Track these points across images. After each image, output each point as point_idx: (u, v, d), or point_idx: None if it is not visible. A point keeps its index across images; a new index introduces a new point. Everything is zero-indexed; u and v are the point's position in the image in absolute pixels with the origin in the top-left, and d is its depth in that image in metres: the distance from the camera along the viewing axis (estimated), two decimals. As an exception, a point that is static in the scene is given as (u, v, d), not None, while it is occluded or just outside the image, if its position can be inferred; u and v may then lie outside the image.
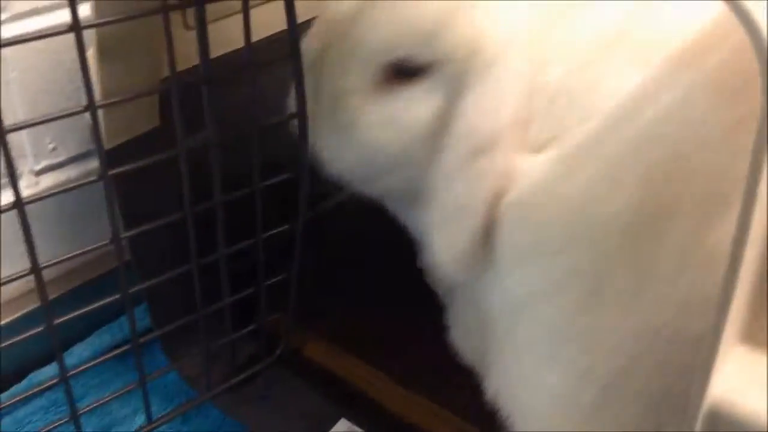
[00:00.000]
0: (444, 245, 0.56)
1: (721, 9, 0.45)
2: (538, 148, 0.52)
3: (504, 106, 0.53)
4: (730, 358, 0.35)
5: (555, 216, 0.49)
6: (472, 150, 0.53)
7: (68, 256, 0.53)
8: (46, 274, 0.53)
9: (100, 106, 0.48)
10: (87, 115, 0.49)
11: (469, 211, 0.54)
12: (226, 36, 0.63)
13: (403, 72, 0.57)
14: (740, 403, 0.33)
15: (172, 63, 0.50)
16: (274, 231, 0.66)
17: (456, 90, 0.55)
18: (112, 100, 0.50)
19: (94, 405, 0.62)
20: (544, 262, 0.49)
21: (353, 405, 0.69)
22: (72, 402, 0.58)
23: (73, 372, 0.57)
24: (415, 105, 0.57)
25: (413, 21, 0.55)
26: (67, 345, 0.80)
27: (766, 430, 0.32)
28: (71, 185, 0.51)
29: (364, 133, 0.57)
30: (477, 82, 0.54)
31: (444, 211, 0.55)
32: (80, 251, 0.54)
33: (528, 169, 0.51)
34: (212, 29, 0.56)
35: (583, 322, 0.48)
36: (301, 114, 0.58)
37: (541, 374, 0.51)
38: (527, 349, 0.51)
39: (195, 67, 0.58)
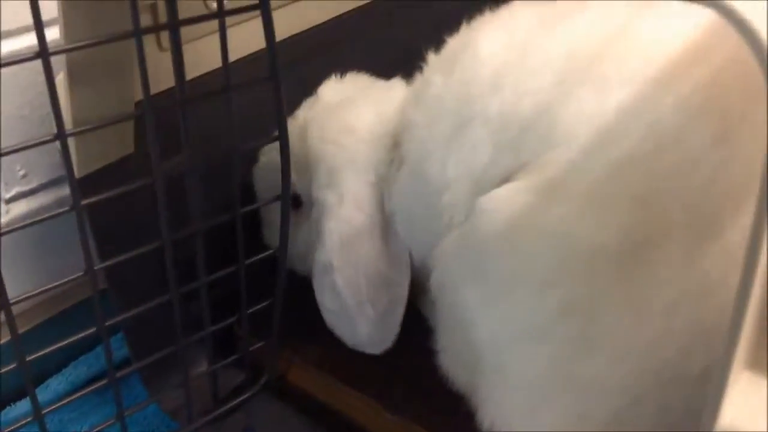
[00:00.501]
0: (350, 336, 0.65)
1: (703, 24, 0.44)
2: (504, 178, 0.50)
3: (344, 227, 0.62)
4: (737, 385, 0.34)
5: (540, 248, 0.47)
6: (322, 267, 0.63)
7: (40, 290, 0.51)
8: (19, 306, 0.51)
9: (71, 134, 0.46)
10: (60, 151, 0.47)
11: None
12: (202, 57, 0.61)
13: (294, 202, 0.69)
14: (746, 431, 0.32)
15: (145, 87, 0.48)
16: (257, 257, 0.63)
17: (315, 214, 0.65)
18: (83, 128, 0.48)
19: (71, 443, 0.59)
20: (531, 297, 0.47)
21: (342, 433, 0.67)
22: (47, 440, 0.55)
23: (48, 410, 0.54)
24: (295, 229, 0.68)
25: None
26: (43, 376, 0.77)
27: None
28: (42, 217, 0.48)
29: None
30: (322, 203, 0.64)
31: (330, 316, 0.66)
32: (53, 285, 0.51)
33: (503, 199, 0.49)
34: (187, 49, 0.54)
35: (577, 366, 0.46)
36: (283, 137, 0.56)
37: (535, 415, 0.48)
38: (520, 388, 0.49)
39: (170, 89, 0.56)
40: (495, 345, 0.51)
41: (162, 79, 0.57)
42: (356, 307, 0.62)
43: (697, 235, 0.42)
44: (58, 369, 0.79)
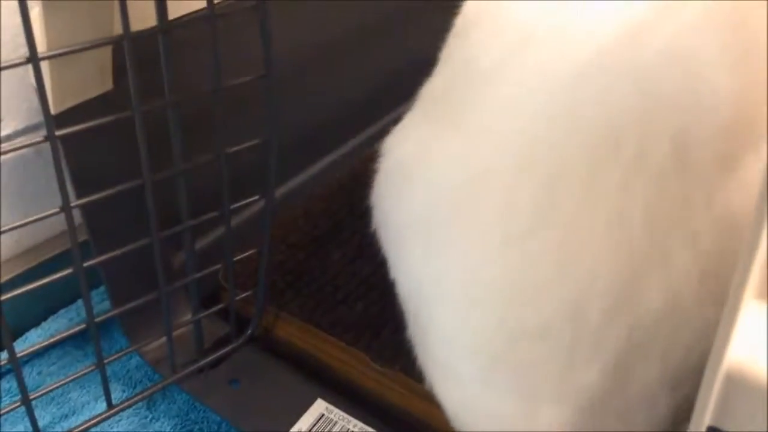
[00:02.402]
0: None
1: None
2: None
3: None
4: (747, 315, 0.32)
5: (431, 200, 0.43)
6: None
7: (15, 224, 0.48)
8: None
9: (44, 58, 0.44)
10: (34, 82, 0.44)
11: None
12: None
13: None
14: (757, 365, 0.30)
15: (124, 11, 0.46)
16: (243, 202, 0.61)
17: None
18: (57, 51, 0.45)
19: (48, 389, 0.57)
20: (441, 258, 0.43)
21: (329, 385, 0.66)
22: (22, 384, 0.53)
23: (23, 353, 0.52)
24: None
25: None
26: (22, 331, 0.75)
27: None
28: (15, 146, 0.46)
29: None
30: None
31: None
32: (28, 220, 0.49)
33: (397, 138, 0.47)
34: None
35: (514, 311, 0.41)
36: (270, 75, 0.54)
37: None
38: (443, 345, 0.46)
39: (152, 27, 0.53)
40: (411, 304, 0.47)
41: (143, 18, 0.54)
42: None
43: (596, 169, 0.38)
44: (37, 324, 0.76)
